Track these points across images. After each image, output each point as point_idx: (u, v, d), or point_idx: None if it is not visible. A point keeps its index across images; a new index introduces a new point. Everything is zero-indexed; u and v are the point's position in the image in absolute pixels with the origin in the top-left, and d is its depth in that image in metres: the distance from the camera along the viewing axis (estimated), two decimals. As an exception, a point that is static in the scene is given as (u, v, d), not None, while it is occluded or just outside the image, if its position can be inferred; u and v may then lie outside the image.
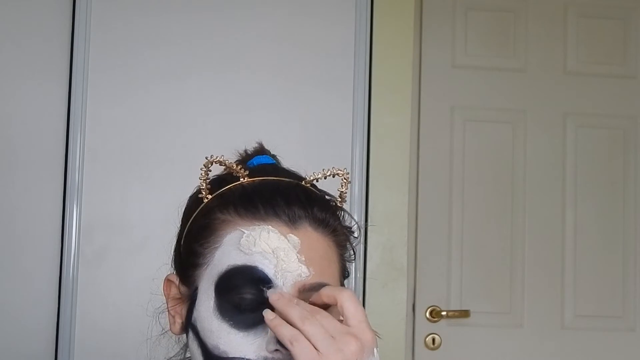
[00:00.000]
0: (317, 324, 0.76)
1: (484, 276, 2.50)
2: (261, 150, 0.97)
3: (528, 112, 2.57)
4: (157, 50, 2.19)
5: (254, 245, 0.82)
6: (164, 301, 0.93)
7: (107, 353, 2.08)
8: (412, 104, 2.40)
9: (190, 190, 0.95)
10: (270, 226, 0.83)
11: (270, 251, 0.81)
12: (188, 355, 0.97)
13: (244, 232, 0.83)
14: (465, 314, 2.45)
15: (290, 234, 0.83)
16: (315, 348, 0.75)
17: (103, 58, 2.16)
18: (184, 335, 0.92)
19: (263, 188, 0.87)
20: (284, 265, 0.81)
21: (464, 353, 2.48)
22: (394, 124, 2.30)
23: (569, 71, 2.60)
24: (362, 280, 2.20)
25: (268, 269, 0.81)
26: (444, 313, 2.45)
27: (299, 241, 0.83)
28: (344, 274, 0.91)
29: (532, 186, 2.55)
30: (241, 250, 0.82)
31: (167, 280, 0.92)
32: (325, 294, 0.80)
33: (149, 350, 0.99)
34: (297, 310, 0.77)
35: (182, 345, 0.95)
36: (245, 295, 0.81)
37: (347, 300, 0.78)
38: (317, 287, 0.82)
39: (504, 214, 2.53)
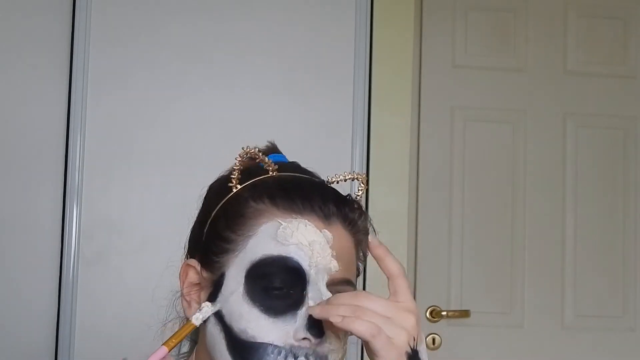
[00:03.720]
0: (368, 312, 0.78)
1: (484, 276, 2.50)
2: (274, 149, 0.99)
3: (528, 112, 2.57)
4: (157, 51, 2.19)
5: (291, 236, 0.84)
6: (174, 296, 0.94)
7: (107, 353, 2.08)
8: (412, 104, 2.40)
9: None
10: (307, 220, 0.86)
11: (307, 244, 0.84)
12: (184, 350, 0.97)
13: (281, 224, 0.85)
14: (465, 314, 2.45)
15: (325, 230, 0.86)
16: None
17: (103, 58, 2.16)
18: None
19: (299, 182, 0.91)
20: (319, 259, 0.84)
21: (464, 353, 2.48)
22: (394, 124, 2.30)
23: (569, 71, 2.60)
24: (362, 280, 2.20)
25: (303, 260, 0.84)
26: (444, 313, 2.45)
27: (332, 237, 0.86)
28: (358, 272, 0.95)
29: (532, 186, 2.55)
30: (278, 240, 0.84)
31: (186, 265, 0.92)
32: (378, 257, 0.85)
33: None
34: (343, 308, 0.79)
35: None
36: (278, 283, 0.83)
37: (399, 276, 0.83)
38: (343, 282, 0.86)
39: (504, 214, 2.53)
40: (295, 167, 0.95)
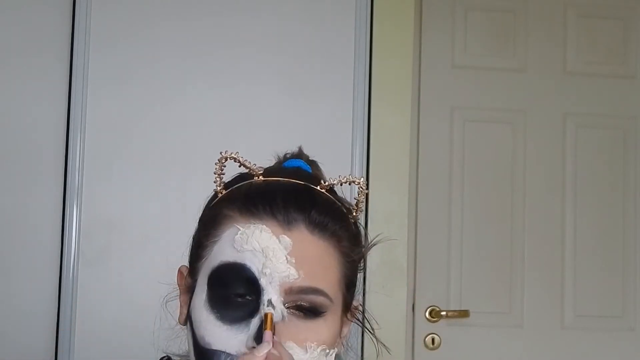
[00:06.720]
0: None
1: (484, 276, 2.50)
2: (298, 155, 0.99)
3: (528, 112, 2.57)
4: (157, 51, 2.19)
5: (246, 242, 0.83)
6: (172, 291, 0.94)
7: (107, 353, 2.08)
8: (412, 104, 2.40)
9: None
10: (264, 225, 0.83)
11: (260, 250, 0.82)
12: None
13: (239, 229, 0.83)
14: (465, 314, 2.45)
15: (283, 235, 0.83)
16: None
17: (103, 58, 2.16)
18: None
19: (268, 188, 0.87)
20: (272, 265, 0.82)
21: (464, 353, 2.48)
22: (394, 124, 2.30)
23: (569, 71, 2.60)
24: (362, 280, 2.20)
25: (256, 267, 0.82)
26: (443, 313, 2.45)
27: (291, 242, 0.83)
28: (348, 284, 0.90)
29: (532, 186, 2.55)
30: (234, 247, 0.83)
31: (179, 272, 0.93)
32: None
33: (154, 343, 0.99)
34: None
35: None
36: (233, 292, 0.82)
37: None
38: (308, 290, 0.83)
39: (504, 214, 2.53)
40: (291, 172, 0.92)
